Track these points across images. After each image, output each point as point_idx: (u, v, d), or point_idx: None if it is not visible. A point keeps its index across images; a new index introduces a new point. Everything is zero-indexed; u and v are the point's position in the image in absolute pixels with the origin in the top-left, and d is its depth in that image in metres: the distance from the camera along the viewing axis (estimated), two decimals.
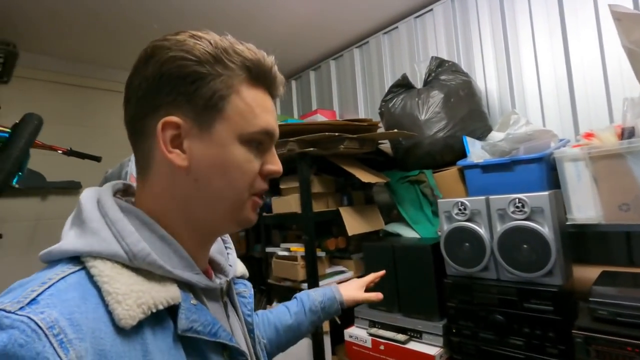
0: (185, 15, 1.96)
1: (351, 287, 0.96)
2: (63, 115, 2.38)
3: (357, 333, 1.49)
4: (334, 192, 1.74)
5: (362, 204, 1.82)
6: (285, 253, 1.71)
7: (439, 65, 1.68)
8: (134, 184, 0.51)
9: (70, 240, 0.41)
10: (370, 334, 1.44)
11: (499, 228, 1.15)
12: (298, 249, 1.62)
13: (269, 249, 1.80)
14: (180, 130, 0.44)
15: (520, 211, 1.10)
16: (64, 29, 2.03)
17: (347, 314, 1.63)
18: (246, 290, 0.62)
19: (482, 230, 1.19)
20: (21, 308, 0.33)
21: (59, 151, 1.73)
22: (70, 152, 1.75)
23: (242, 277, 0.63)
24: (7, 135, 1.33)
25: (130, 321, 0.37)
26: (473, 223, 1.22)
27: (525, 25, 1.70)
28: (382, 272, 1.05)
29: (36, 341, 0.31)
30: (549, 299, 1.02)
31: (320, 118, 2.44)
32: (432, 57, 1.73)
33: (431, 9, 2.06)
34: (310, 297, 0.87)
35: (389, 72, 2.31)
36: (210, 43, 0.44)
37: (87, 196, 0.45)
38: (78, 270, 0.39)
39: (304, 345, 1.56)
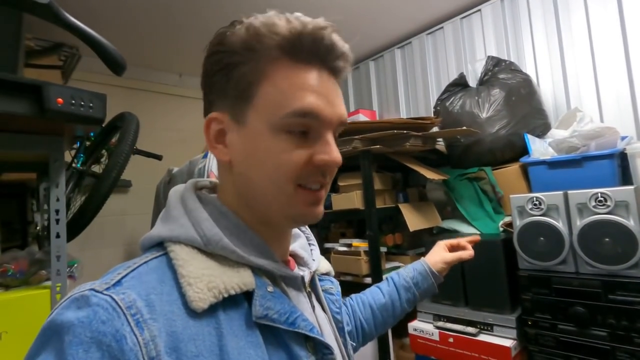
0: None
1: (435, 251, 0.91)
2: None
3: (422, 326, 1.53)
4: (390, 189, 1.78)
5: (416, 201, 1.86)
6: (345, 248, 1.75)
7: (496, 64, 1.72)
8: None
9: (156, 228, 0.45)
10: (438, 327, 1.48)
11: (579, 222, 1.17)
12: (360, 244, 1.67)
13: (327, 245, 1.85)
14: (223, 125, 0.45)
15: (603, 205, 1.12)
16: (115, 33, 2.11)
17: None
18: (333, 287, 0.60)
19: (559, 224, 1.21)
20: (107, 289, 0.35)
21: None
22: (135, 151, 1.81)
23: (327, 274, 0.62)
24: (92, 133, 1.39)
25: (201, 304, 0.37)
26: (549, 217, 1.25)
27: (581, 21, 1.72)
28: (477, 238, 0.98)
29: (116, 319, 0.33)
30: (638, 290, 1.05)
31: (362, 118, 2.49)
32: (489, 56, 1.76)
33: (479, 9, 2.09)
34: (400, 275, 0.85)
35: (432, 73, 2.34)
36: (246, 29, 0.42)
37: (174, 191, 0.49)
38: (160, 255, 0.42)
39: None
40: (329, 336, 0.52)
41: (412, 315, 1.61)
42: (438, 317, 1.51)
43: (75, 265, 1.08)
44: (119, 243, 2.44)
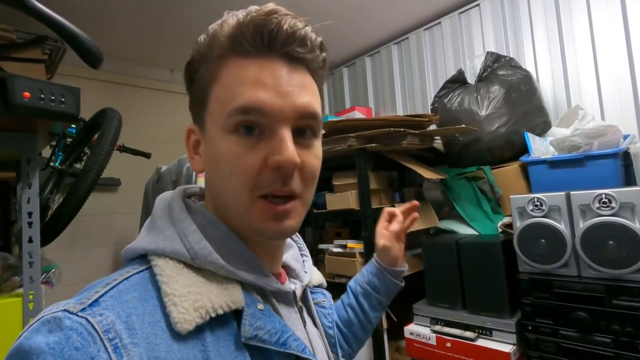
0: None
1: (377, 240, 0.77)
2: None
3: (418, 330, 1.48)
4: (386, 189, 1.73)
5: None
6: (340, 250, 1.70)
7: (496, 61, 1.67)
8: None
9: (139, 239, 0.42)
10: (434, 331, 1.43)
11: (582, 224, 1.13)
12: (356, 245, 1.62)
13: (321, 246, 1.79)
14: (197, 135, 0.45)
15: (607, 207, 1.08)
16: (105, 28, 2.04)
17: (404, 310, 1.63)
18: (325, 300, 0.58)
19: (561, 226, 1.17)
20: (82, 310, 0.32)
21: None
22: (122, 149, 1.74)
23: (319, 286, 0.59)
24: (73, 130, 1.32)
25: (187, 325, 0.34)
26: (550, 219, 1.20)
27: (582, 16, 1.68)
28: (415, 203, 0.78)
29: (91, 345, 0.30)
30: None
31: (357, 115, 2.43)
32: (488, 52, 1.71)
33: (478, 4, 2.04)
34: (357, 282, 0.77)
35: (429, 69, 2.29)
36: (205, 35, 0.41)
37: (160, 198, 0.46)
38: (143, 270, 0.38)
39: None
40: (320, 352, 0.50)
41: (408, 319, 1.56)
42: (435, 321, 1.47)
43: (53, 270, 1.02)
44: (108, 243, 2.37)
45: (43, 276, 1.00)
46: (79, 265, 2.20)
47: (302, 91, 0.40)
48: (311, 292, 0.56)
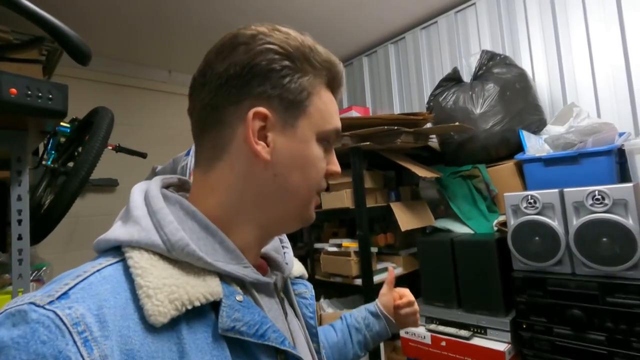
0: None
1: (384, 294, 0.86)
2: None
3: (413, 329, 1.48)
4: (382, 188, 1.72)
5: (409, 200, 1.81)
6: (335, 249, 1.69)
7: (491, 59, 1.66)
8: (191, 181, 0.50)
9: (114, 229, 0.41)
10: (430, 330, 1.43)
11: (575, 221, 1.12)
12: (351, 244, 1.61)
13: (317, 245, 1.79)
14: (267, 122, 0.43)
15: (601, 204, 1.07)
16: (104, 28, 2.04)
17: None
18: (307, 291, 0.58)
19: (555, 224, 1.16)
20: (50, 302, 0.31)
21: (109, 147, 1.73)
22: (118, 149, 1.75)
23: (300, 277, 0.60)
24: (67, 130, 1.33)
25: (161, 318, 0.34)
26: (544, 216, 1.20)
27: (577, 14, 1.67)
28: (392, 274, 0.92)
29: (59, 338, 0.29)
30: (637, 293, 1.00)
31: (355, 114, 2.43)
32: (483, 50, 1.71)
33: (474, 3, 2.04)
34: (353, 316, 0.82)
35: (426, 68, 2.29)
36: (298, 39, 0.45)
37: (137, 188, 0.44)
38: (116, 262, 0.38)
39: None
40: (301, 344, 0.50)
41: None
42: (430, 320, 1.46)
43: (44, 268, 1.02)
44: None
45: (34, 274, 1.00)
46: (76, 265, 2.19)
47: None
48: (292, 284, 0.56)
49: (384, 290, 0.87)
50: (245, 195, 0.44)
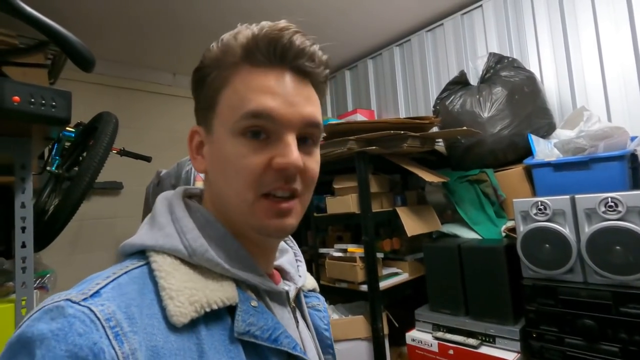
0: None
1: None
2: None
3: (420, 336, 1.45)
4: (387, 192, 1.70)
5: (415, 204, 1.78)
6: (340, 254, 1.67)
7: (498, 62, 1.64)
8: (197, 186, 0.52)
9: (139, 234, 0.43)
10: (437, 338, 1.40)
11: (587, 228, 1.10)
12: (356, 249, 1.59)
13: (322, 250, 1.77)
14: (201, 137, 0.46)
15: (614, 211, 1.05)
16: (109, 32, 2.05)
17: (406, 315, 1.61)
18: (319, 303, 0.59)
19: (566, 231, 1.14)
20: (84, 299, 0.34)
21: (114, 151, 1.73)
22: (123, 152, 1.74)
23: (313, 290, 0.60)
24: (72, 134, 1.32)
25: (182, 318, 0.36)
26: (554, 223, 1.17)
27: (587, 16, 1.65)
28: None
29: (94, 331, 0.32)
30: None
31: (360, 118, 2.41)
32: (490, 53, 1.69)
33: (480, 5, 2.02)
34: None
35: (432, 71, 2.27)
36: (217, 43, 0.44)
37: (162, 197, 0.47)
38: (142, 265, 0.40)
39: (364, 348, 1.53)
40: (311, 352, 0.50)
41: (410, 324, 1.54)
42: (437, 327, 1.44)
43: (48, 275, 1.01)
44: (110, 246, 2.37)
45: (38, 281, 0.99)
46: (81, 269, 2.20)
47: (308, 102, 0.44)
48: (305, 296, 0.57)
49: None
50: (214, 205, 0.46)
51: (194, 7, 1.86)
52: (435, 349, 1.39)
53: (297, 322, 0.50)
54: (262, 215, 0.42)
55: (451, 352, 1.34)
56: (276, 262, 0.53)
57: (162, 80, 2.65)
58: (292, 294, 0.51)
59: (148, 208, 1.85)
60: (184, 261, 0.41)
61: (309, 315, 0.55)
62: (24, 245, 0.85)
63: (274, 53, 0.41)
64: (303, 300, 0.55)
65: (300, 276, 0.55)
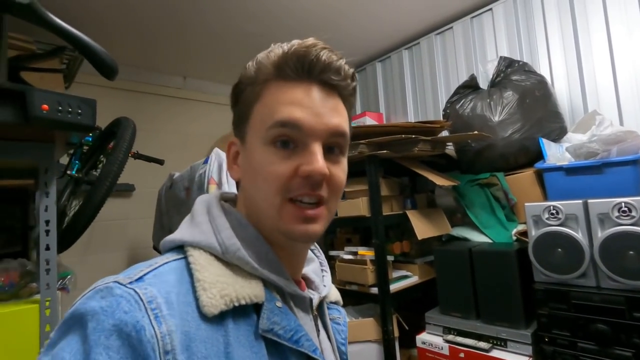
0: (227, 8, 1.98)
1: None
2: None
3: (431, 339, 1.46)
4: (397, 195, 1.71)
5: (425, 208, 1.79)
6: (350, 257, 1.69)
7: (509, 65, 1.64)
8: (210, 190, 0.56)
9: (180, 231, 0.47)
10: (447, 341, 1.41)
11: (600, 233, 1.10)
12: (366, 252, 1.60)
13: (332, 253, 1.79)
14: (237, 147, 0.50)
15: (627, 216, 1.05)
16: (121, 36, 2.09)
17: (416, 318, 1.61)
18: (340, 317, 0.59)
19: (579, 235, 1.14)
20: (130, 282, 0.37)
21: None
22: (137, 155, 1.77)
23: (336, 302, 0.60)
24: (90, 139, 1.36)
25: (212, 309, 0.38)
26: (567, 227, 1.17)
27: (598, 19, 1.64)
28: None
29: (137, 311, 0.35)
30: None
31: (369, 121, 2.43)
32: (501, 57, 1.69)
33: (490, 9, 2.02)
34: None
35: (441, 74, 2.27)
36: (255, 60, 0.47)
37: (201, 199, 0.51)
38: (180, 258, 0.43)
39: (374, 350, 1.54)
40: None
41: (420, 327, 1.54)
42: (448, 330, 1.44)
43: (69, 277, 1.04)
44: (122, 248, 2.41)
45: (59, 282, 1.02)
46: (95, 270, 2.23)
47: (334, 113, 0.46)
48: (327, 308, 0.57)
49: None
50: (246, 211, 0.49)
51: (200, 11, 1.88)
52: (446, 352, 1.39)
53: (318, 330, 0.51)
54: (288, 220, 0.44)
55: (462, 355, 1.34)
56: (303, 271, 0.54)
57: (172, 83, 2.68)
58: (315, 302, 0.52)
59: (160, 210, 1.88)
60: (217, 258, 0.44)
61: (330, 327, 0.55)
62: (47, 248, 0.88)
63: (302, 68, 0.44)
64: (326, 309, 0.56)
65: (325, 286, 0.56)
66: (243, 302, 0.41)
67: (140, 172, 2.35)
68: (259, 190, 0.45)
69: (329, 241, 2.01)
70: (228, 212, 0.48)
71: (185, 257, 0.43)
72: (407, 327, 1.60)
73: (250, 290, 0.42)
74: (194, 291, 0.39)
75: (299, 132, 0.43)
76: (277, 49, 0.46)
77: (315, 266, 0.58)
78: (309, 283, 0.55)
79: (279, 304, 0.44)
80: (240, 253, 0.43)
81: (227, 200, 0.53)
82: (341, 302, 0.62)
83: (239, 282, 0.42)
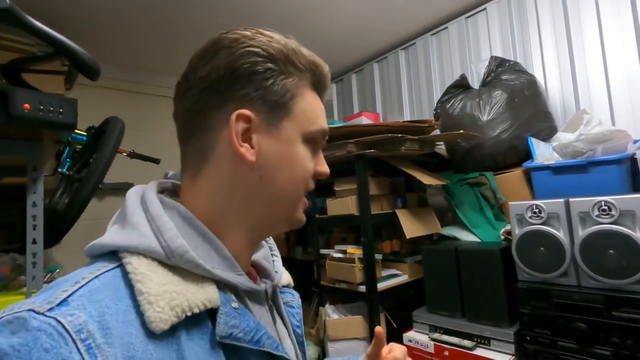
0: (231, 9, 2.01)
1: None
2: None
3: (417, 337, 1.47)
4: (388, 194, 1.72)
5: (415, 207, 1.80)
6: (340, 255, 1.70)
7: (500, 65, 1.65)
8: None
9: (110, 234, 0.40)
10: (433, 339, 1.41)
11: (581, 232, 1.10)
12: (355, 250, 1.62)
13: (323, 251, 1.81)
14: (250, 124, 0.43)
15: (607, 214, 1.05)
16: (115, 39, 2.14)
17: (407, 317, 1.62)
18: (294, 300, 0.58)
19: (560, 234, 1.14)
20: (50, 309, 0.31)
21: (124, 153, 1.81)
22: (133, 155, 1.82)
23: (287, 286, 0.60)
24: (84, 137, 1.40)
25: (162, 325, 0.34)
26: (549, 226, 1.17)
27: (591, 19, 1.64)
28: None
29: (62, 346, 0.29)
30: None
31: (365, 120, 2.43)
32: (492, 56, 1.69)
33: (484, 9, 2.02)
34: None
35: (436, 74, 2.28)
36: (281, 42, 0.44)
37: (132, 192, 0.44)
38: (114, 267, 0.37)
39: (362, 347, 1.55)
40: (290, 350, 0.51)
41: (407, 325, 1.55)
42: (434, 329, 1.45)
43: (58, 270, 1.08)
44: None
45: (47, 276, 1.06)
46: None
47: None
48: (280, 292, 0.57)
49: (370, 349, 0.69)
50: (232, 198, 0.44)
51: (191, 11, 1.91)
52: (431, 350, 1.40)
53: (274, 320, 0.50)
54: (301, 210, 0.49)
55: (446, 353, 1.35)
56: (252, 257, 0.52)
57: (167, 83, 2.72)
58: (269, 292, 0.51)
59: None
60: (161, 262, 0.38)
61: (285, 313, 0.55)
62: (34, 242, 0.91)
63: (324, 88, 0.51)
64: (279, 297, 0.55)
65: (276, 272, 0.54)
66: (196, 310, 0.37)
67: (139, 170, 2.39)
68: (293, 180, 0.46)
69: (325, 240, 2.03)
70: (169, 207, 0.42)
71: (121, 265, 0.37)
72: (395, 325, 1.61)
73: (203, 296, 0.38)
74: (137, 306, 0.34)
75: (322, 140, 0.50)
76: (309, 53, 0.47)
77: (265, 252, 0.56)
78: (261, 270, 0.53)
79: (235, 304, 0.41)
80: (188, 255, 0.38)
81: (164, 191, 0.48)
82: (292, 284, 0.61)
83: (190, 289, 0.38)
